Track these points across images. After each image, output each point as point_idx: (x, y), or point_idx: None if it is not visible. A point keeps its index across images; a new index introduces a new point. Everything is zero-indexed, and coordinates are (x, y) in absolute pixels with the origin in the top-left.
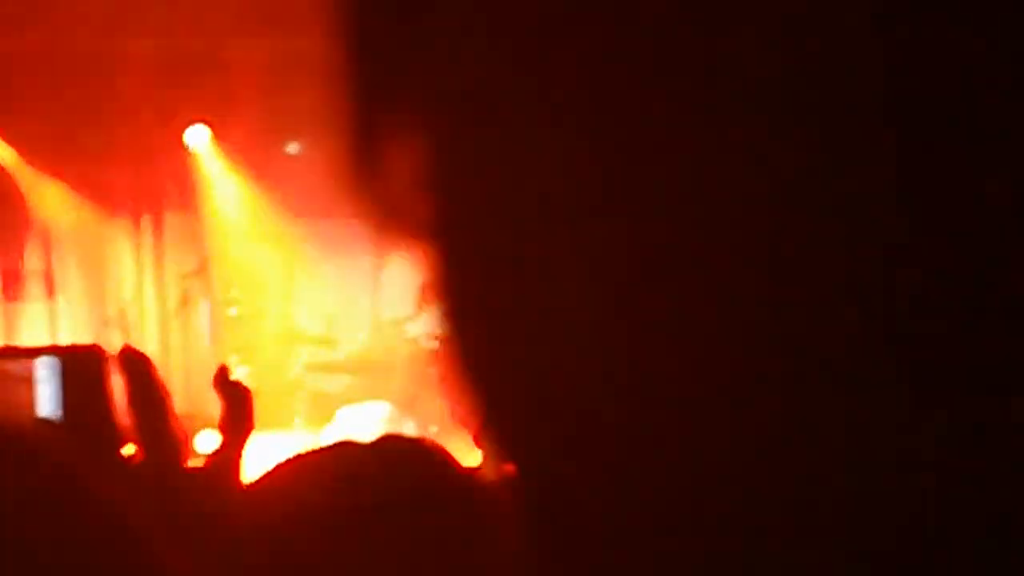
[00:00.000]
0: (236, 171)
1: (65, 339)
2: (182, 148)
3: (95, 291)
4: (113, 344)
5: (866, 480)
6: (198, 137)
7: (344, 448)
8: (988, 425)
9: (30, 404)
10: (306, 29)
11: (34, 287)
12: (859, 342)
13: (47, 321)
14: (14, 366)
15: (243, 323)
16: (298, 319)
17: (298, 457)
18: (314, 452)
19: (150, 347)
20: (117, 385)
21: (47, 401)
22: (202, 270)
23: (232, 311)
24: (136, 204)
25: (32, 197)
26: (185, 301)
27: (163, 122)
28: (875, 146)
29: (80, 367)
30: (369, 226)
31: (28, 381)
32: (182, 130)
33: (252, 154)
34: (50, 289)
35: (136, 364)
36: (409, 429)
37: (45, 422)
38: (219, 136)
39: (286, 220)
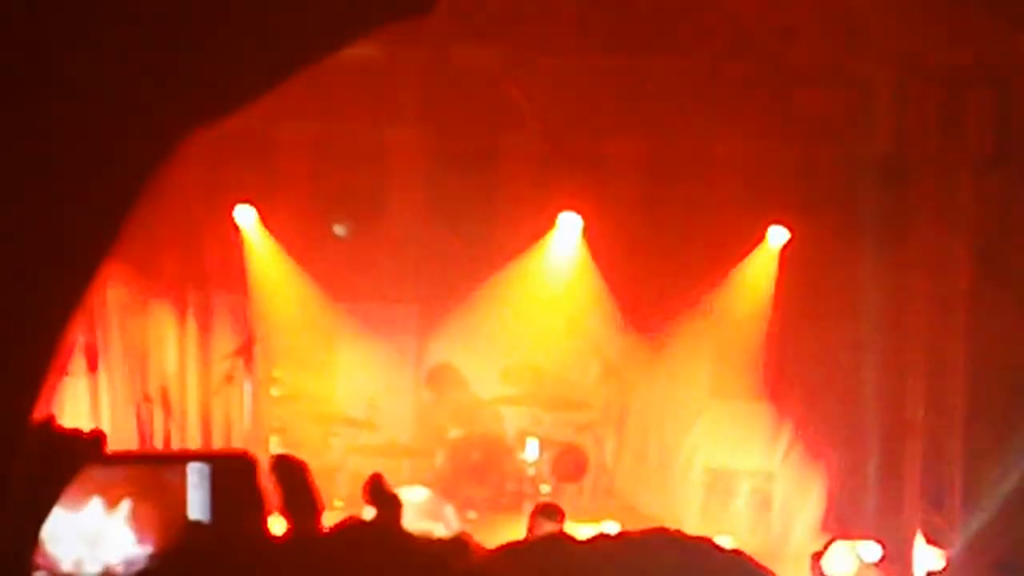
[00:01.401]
0: (282, 252)
1: (106, 413)
2: (229, 228)
3: (137, 367)
4: (154, 418)
5: None
6: (245, 217)
7: (557, 543)
8: None
9: (181, 508)
10: (355, 114)
11: (77, 361)
12: None
13: (88, 395)
14: (166, 470)
15: (285, 404)
16: (340, 401)
17: (509, 545)
18: (524, 543)
19: (191, 424)
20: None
21: (197, 505)
22: (245, 349)
23: (275, 392)
24: (181, 282)
25: None
26: (228, 380)
27: (211, 201)
28: None
29: (230, 472)
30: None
31: (180, 485)
32: (230, 210)
33: (299, 234)
34: (93, 364)
35: (293, 470)
36: (448, 514)
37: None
38: (266, 216)
39: (330, 301)
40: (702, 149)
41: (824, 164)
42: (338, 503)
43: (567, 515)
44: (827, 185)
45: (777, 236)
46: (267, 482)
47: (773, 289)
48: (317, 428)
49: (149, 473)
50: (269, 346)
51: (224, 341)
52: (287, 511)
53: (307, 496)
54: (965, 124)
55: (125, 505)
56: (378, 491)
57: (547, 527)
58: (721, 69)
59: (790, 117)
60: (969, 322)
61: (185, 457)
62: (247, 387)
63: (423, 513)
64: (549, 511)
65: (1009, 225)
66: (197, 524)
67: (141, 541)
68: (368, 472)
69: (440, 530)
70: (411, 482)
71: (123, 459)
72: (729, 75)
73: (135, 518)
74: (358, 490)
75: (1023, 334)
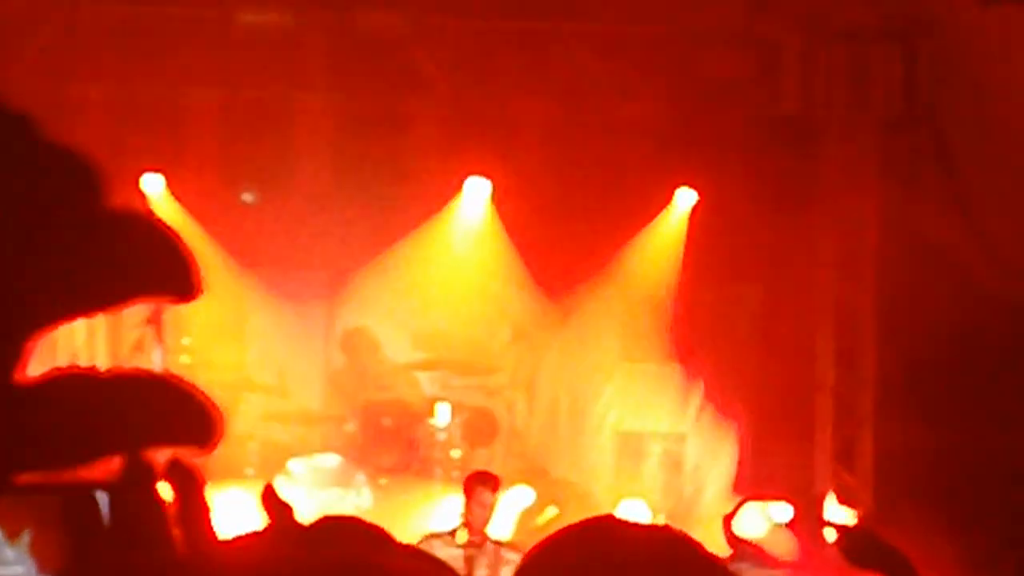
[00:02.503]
0: (190, 219)
1: None
2: (136, 196)
3: (45, 339)
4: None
5: None
6: (153, 185)
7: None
8: None
9: (84, 536)
10: (262, 80)
11: None
12: None
13: None
14: (71, 498)
15: (195, 372)
16: (250, 368)
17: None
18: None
19: None
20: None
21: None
22: (155, 318)
23: (184, 359)
24: None
25: None
26: (138, 348)
27: (117, 169)
28: None
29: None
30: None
31: (84, 512)
32: (136, 177)
33: (207, 203)
34: None
35: (187, 476)
36: (360, 481)
37: None
38: (173, 184)
39: (239, 269)
40: (609, 112)
41: (731, 126)
42: (248, 471)
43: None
44: (734, 147)
45: (685, 198)
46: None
47: (682, 251)
48: (227, 395)
49: (52, 501)
50: (178, 314)
51: (133, 310)
52: (179, 519)
53: (200, 504)
54: (871, 85)
55: (26, 536)
56: (271, 499)
57: (484, 495)
58: (626, 32)
59: (696, 79)
60: (877, 282)
61: (89, 485)
62: (157, 355)
63: (335, 480)
64: (484, 478)
65: (916, 185)
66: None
67: (42, 571)
68: (279, 440)
69: (351, 497)
70: (323, 449)
71: (26, 489)
72: (634, 38)
73: (36, 548)
74: (269, 458)
75: (930, 293)
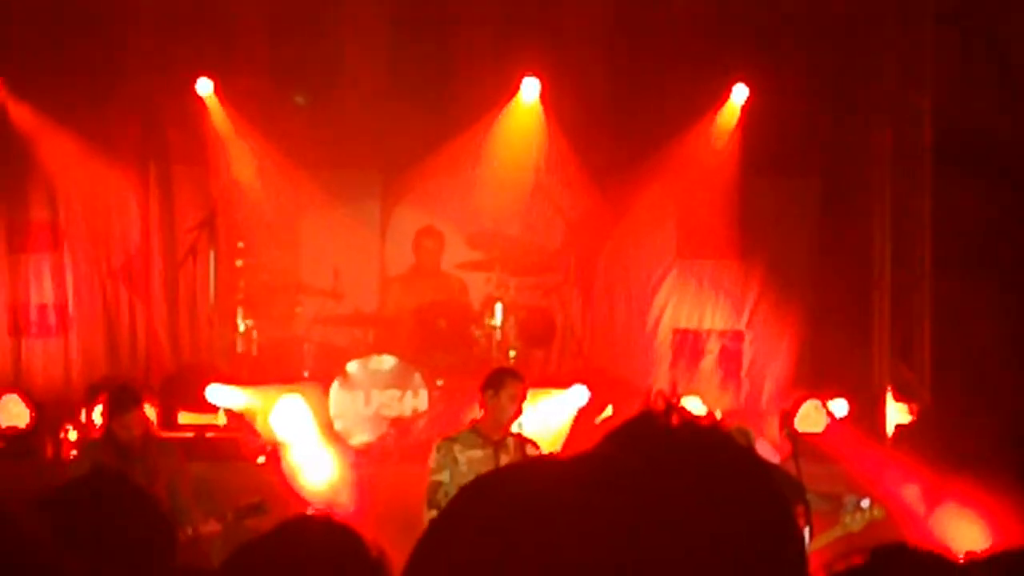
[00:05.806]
0: (244, 122)
1: (71, 290)
2: (190, 99)
3: (101, 242)
4: (119, 293)
5: None
6: (206, 88)
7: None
8: None
9: None
10: None
11: (40, 238)
12: None
13: (52, 272)
14: None
15: (249, 274)
16: (304, 271)
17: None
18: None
19: (155, 298)
20: None
21: None
22: (208, 221)
23: (239, 262)
24: (143, 155)
25: (39, 147)
26: (192, 252)
27: (171, 73)
28: None
29: None
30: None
31: None
32: (190, 81)
33: (260, 105)
34: (56, 240)
35: None
36: (416, 382)
37: None
38: (227, 87)
39: (292, 170)
40: (660, 7)
41: (785, 19)
42: (305, 373)
43: (536, 380)
44: (788, 41)
45: (740, 93)
46: None
47: (738, 146)
48: (282, 298)
49: None
50: (232, 217)
51: (187, 214)
52: None
53: None
54: None
55: None
56: None
57: (517, 387)
58: None
59: None
60: (934, 177)
61: None
62: (211, 259)
63: (392, 382)
64: (515, 373)
65: (968, 77)
66: None
67: None
68: (334, 342)
69: (408, 398)
70: (378, 351)
71: None
72: None
73: None
74: (324, 361)
75: (986, 189)
